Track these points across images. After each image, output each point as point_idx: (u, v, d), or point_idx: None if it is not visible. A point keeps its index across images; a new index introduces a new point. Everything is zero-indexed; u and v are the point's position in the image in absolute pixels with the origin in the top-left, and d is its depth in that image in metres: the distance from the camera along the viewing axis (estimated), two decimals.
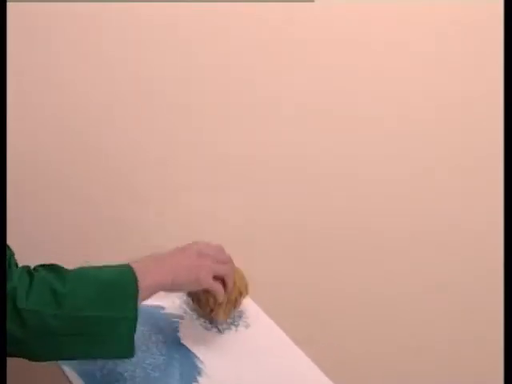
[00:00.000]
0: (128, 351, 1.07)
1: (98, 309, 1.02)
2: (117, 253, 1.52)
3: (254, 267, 1.49)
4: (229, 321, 1.30)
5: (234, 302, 1.26)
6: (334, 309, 1.55)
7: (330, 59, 1.43)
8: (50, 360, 1.06)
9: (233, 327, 1.30)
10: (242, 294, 1.27)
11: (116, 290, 1.05)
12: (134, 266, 1.08)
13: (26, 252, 1.43)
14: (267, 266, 1.53)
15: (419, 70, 1.42)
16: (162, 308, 1.31)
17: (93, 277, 1.05)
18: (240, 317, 1.32)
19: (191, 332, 1.28)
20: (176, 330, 1.29)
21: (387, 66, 1.42)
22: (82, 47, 1.46)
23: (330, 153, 1.48)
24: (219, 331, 1.29)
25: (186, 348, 1.25)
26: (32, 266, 1.05)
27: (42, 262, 1.48)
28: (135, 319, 1.05)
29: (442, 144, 1.45)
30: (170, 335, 1.27)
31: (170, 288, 1.14)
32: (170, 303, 1.32)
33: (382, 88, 1.43)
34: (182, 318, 1.31)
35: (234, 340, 1.28)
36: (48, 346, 1.01)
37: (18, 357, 1.01)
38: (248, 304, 1.33)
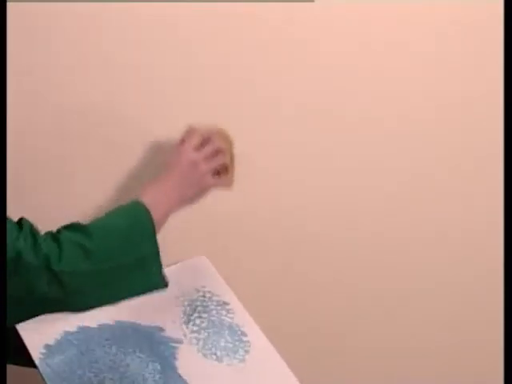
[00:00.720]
0: (160, 283, 1.17)
1: (125, 254, 1.10)
2: None
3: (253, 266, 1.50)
4: (228, 345, 1.29)
5: (231, 161, 1.32)
6: (333, 309, 1.55)
7: (330, 59, 1.43)
8: (90, 309, 1.11)
9: (231, 354, 1.29)
10: (233, 155, 1.33)
11: (136, 232, 1.13)
12: (148, 200, 1.16)
13: None
14: (266, 266, 1.54)
15: (419, 70, 1.42)
16: (162, 330, 1.30)
17: (113, 226, 1.12)
18: (241, 341, 1.32)
19: (189, 360, 1.27)
20: (174, 356, 1.28)
21: (387, 66, 1.42)
22: (82, 47, 1.45)
23: (330, 152, 1.48)
24: (218, 359, 1.28)
25: (183, 381, 1.24)
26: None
27: None
28: (158, 253, 1.15)
29: (442, 144, 1.45)
30: (167, 364, 1.26)
31: (180, 208, 1.24)
32: (170, 324, 1.32)
33: (382, 88, 1.43)
34: (181, 341, 1.30)
35: (232, 371, 1.27)
36: (87, 299, 1.07)
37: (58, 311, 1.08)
38: (249, 326, 1.32)
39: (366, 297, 1.53)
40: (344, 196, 1.49)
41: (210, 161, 1.27)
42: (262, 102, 1.46)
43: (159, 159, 1.50)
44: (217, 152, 1.29)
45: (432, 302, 1.53)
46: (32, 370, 1.24)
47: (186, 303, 1.34)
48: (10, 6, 1.34)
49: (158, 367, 1.24)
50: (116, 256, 1.08)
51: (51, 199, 1.53)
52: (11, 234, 1.02)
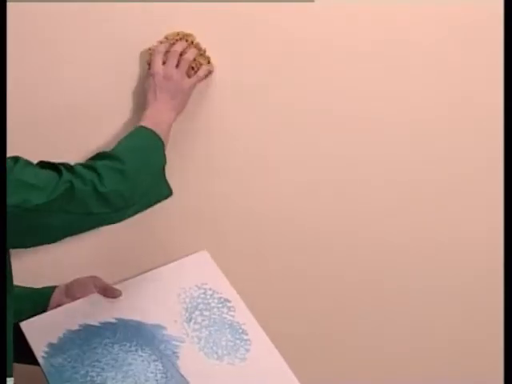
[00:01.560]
0: (169, 191, 1.31)
1: (150, 167, 1.26)
2: (118, 250, 1.53)
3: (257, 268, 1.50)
4: (229, 344, 1.29)
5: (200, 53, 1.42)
6: (334, 307, 1.55)
7: (330, 59, 1.43)
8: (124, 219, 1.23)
9: (232, 352, 1.29)
10: (196, 45, 1.42)
11: (152, 149, 1.29)
12: (149, 124, 1.32)
13: (25, 254, 1.44)
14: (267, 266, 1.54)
15: (419, 70, 1.42)
16: (164, 328, 1.30)
17: (133, 147, 1.27)
18: (242, 339, 1.31)
19: (191, 359, 1.28)
20: (176, 355, 1.28)
21: (387, 66, 1.42)
22: (83, 47, 1.46)
23: (330, 151, 1.48)
24: (219, 358, 1.28)
25: (185, 380, 1.25)
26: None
27: (40, 264, 1.49)
28: (165, 164, 1.30)
29: (442, 144, 1.45)
30: (169, 363, 1.26)
31: (178, 115, 1.39)
32: (172, 322, 1.32)
33: (382, 88, 1.43)
34: (182, 340, 1.30)
35: (233, 371, 1.28)
36: (126, 212, 1.21)
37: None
38: (250, 323, 1.33)
39: (366, 294, 1.53)
40: (344, 193, 1.49)
41: (179, 66, 1.39)
42: (261, 101, 1.46)
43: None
44: (180, 54, 1.40)
45: (432, 302, 1.53)
46: (34, 367, 1.25)
47: (187, 300, 1.34)
48: (9, 6, 1.34)
49: (160, 366, 1.24)
50: (144, 170, 1.24)
51: None
52: (54, 176, 1.13)
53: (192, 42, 1.42)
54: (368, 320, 1.54)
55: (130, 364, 1.21)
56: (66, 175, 1.13)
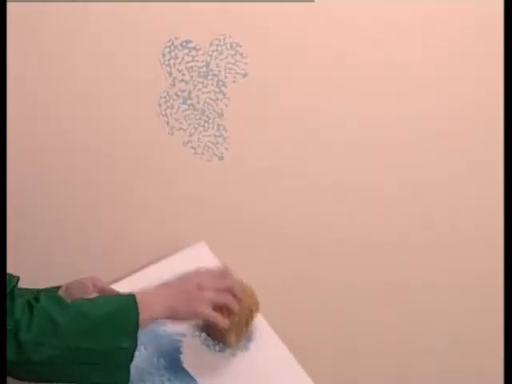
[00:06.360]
0: (124, 379, 1.09)
1: (96, 341, 1.05)
2: (118, 257, 1.53)
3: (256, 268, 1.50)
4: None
5: (246, 323, 1.25)
6: (331, 311, 1.55)
7: (330, 59, 1.43)
8: (46, 383, 1.08)
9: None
10: (252, 312, 1.26)
11: (116, 323, 1.07)
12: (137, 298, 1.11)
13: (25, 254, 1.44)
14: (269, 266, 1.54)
15: (419, 70, 1.42)
16: (165, 324, 1.29)
17: (93, 309, 1.07)
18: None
19: (193, 353, 1.27)
20: (178, 350, 1.27)
21: (387, 66, 1.42)
22: (83, 47, 1.46)
23: (329, 150, 1.48)
24: (221, 351, 1.28)
25: (189, 375, 1.24)
26: (35, 292, 1.13)
27: (42, 270, 1.50)
28: (133, 350, 1.08)
29: (442, 144, 1.45)
30: (172, 358, 1.26)
31: (170, 320, 1.17)
32: None
33: (382, 88, 1.43)
34: (184, 335, 1.30)
35: (237, 363, 1.27)
36: (44, 372, 1.04)
37: (15, 378, 1.05)
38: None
39: (365, 292, 1.54)
40: (344, 192, 1.50)
41: (218, 294, 1.21)
42: (260, 101, 1.46)
43: (159, 161, 1.51)
44: (229, 290, 1.23)
45: (432, 303, 1.53)
46: None
47: None
48: (9, 6, 1.34)
49: (164, 362, 1.24)
50: (87, 339, 1.05)
51: (51, 203, 1.54)
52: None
53: (251, 312, 1.27)
54: (368, 321, 1.54)
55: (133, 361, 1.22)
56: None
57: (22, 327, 1.01)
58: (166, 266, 1.41)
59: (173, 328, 1.29)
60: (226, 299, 1.21)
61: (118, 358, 1.07)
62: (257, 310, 1.27)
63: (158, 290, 1.16)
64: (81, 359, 1.05)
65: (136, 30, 1.44)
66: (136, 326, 1.08)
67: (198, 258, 1.42)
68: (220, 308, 1.19)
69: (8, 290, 1.05)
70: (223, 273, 1.24)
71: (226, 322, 1.19)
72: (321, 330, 1.56)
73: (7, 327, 1.00)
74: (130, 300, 1.10)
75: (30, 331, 1.01)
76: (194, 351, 1.28)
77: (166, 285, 1.17)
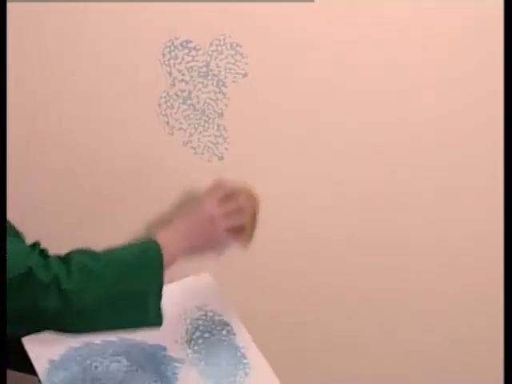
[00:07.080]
0: (156, 320, 1.16)
1: (129, 283, 1.12)
2: None
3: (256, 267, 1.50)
4: (228, 367, 1.29)
5: (253, 224, 1.32)
6: (331, 311, 1.55)
7: (330, 59, 1.43)
8: (85, 332, 1.15)
9: (232, 377, 1.29)
10: (255, 214, 1.32)
11: (144, 265, 1.16)
12: (163, 243, 1.19)
13: None
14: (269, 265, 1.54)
15: (419, 70, 1.42)
16: (165, 349, 1.30)
17: (123, 255, 1.15)
18: (241, 363, 1.31)
19: (190, 382, 1.28)
20: (175, 377, 1.28)
21: (387, 66, 1.42)
22: (83, 47, 1.46)
23: (329, 150, 1.48)
24: (218, 382, 1.28)
25: None
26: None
27: None
28: (161, 291, 1.16)
29: (441, 144, 1.45)
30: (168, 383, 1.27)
31: (188, 256, 1.25)
32: (173, 343, 1.32)
33: (382, 88, 1.43)
34: (182, 361, 1.30)
35: None
36: (86, 320, 1.10)
37: (56, 330, 1.11)
38: (249, 347, 1.33)
39: (365, 298, 1.54)
40: (344, 192, 1.50)
41: (229, 218, 1.28)
42: (260, 101, 1.46)
43: (159, 159, 1.51)
44: (238, 210, 1.30)
45: (432, 303, 1.53)
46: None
47: (188, 321, 1.35)
48: (9, 6, 1.34)
49: None
50: (121, 283, 1.12)
51: (51, 200, 1.54)
52: (23, 250, 1.07)
53: (255, 215, 1.34)
54: (368, 320, 1.54)
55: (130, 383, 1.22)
56: (30, 259, 1.05)
57: (62, 278, 1.06)
58: (168, 292, 1.41)
59: (171, 353, 1.30)
60: (239, 220, 1.29)
61: (148, 298, 1.14)
62: (257, 205, 1.33)
63: (174, 230, 1.23)
64: (117, 303, 1.11)
65: (136, 30, 1.44)
66: (161, 269, 1.16)
67: (201, 286, 1.42)
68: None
69: (39, 249, 1.09)
70: (228, 194, 1.30)
71: (245, 238, 1.31)
72: (321, 330, 1.56)
73: (45, 281, 1.04)
74: (153, 245, 1.18)
75: (70, 280, 1.06)
76: (190, 379, 1.28)
77: (179, 225, 1.24)
